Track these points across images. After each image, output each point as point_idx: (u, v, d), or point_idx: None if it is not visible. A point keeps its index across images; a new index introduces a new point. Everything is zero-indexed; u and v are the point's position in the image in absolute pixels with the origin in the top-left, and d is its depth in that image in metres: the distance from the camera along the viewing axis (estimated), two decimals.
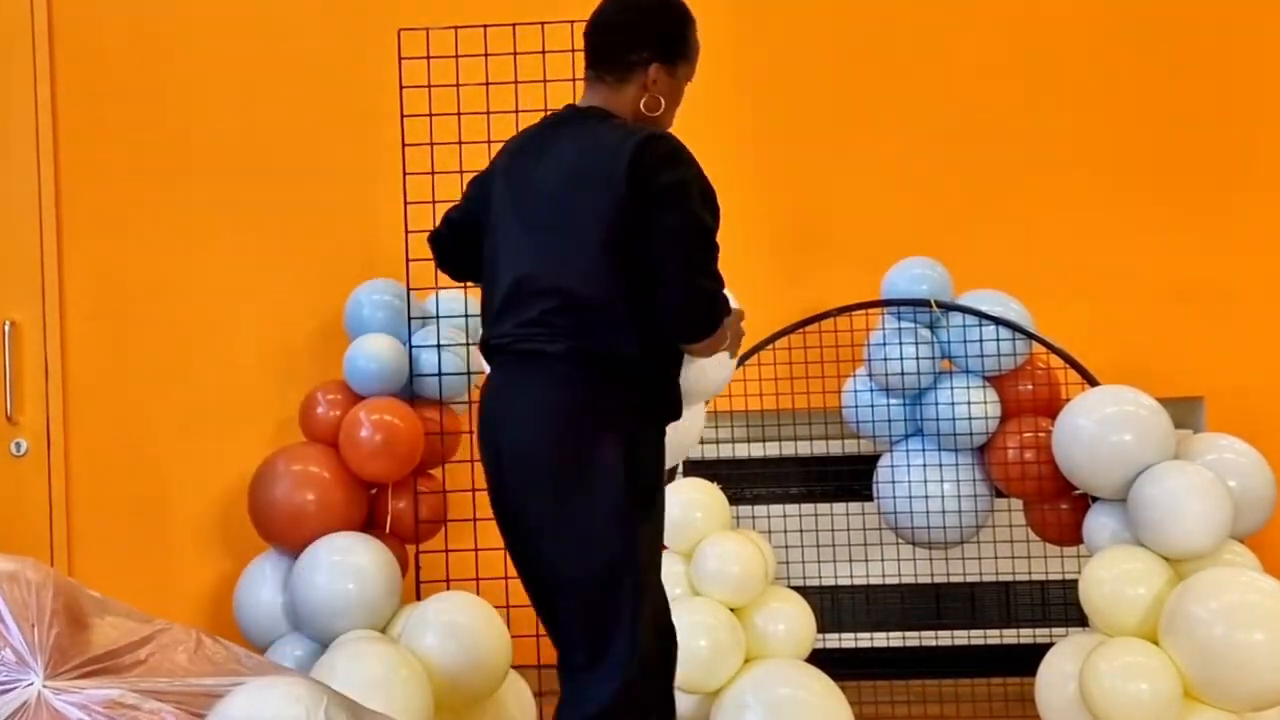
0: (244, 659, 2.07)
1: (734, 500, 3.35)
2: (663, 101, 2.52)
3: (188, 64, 4.23)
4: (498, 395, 2.45)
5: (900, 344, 3.52)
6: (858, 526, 3.82)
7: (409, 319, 3.64)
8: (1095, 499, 3.18)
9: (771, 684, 2.95)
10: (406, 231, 3.55)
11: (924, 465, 3.57)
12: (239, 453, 3.98)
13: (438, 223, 2.75)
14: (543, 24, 3.53)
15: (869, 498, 3.80)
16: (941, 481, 3.57)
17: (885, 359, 3.54)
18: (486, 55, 3.52)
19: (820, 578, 3.89)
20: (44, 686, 1.81)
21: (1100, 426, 3.07)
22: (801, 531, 3.82)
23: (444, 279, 3.57)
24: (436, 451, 3.58)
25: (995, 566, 3.82)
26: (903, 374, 3.52)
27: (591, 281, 2.36)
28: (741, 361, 3.56)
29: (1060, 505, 3.42)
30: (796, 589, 3.25)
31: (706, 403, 3.53)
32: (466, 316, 3.68)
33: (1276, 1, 4.22)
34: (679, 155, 2.40)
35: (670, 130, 2.53)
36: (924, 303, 3.51)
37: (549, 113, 2.63)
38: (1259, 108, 4.21)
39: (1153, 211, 4.15)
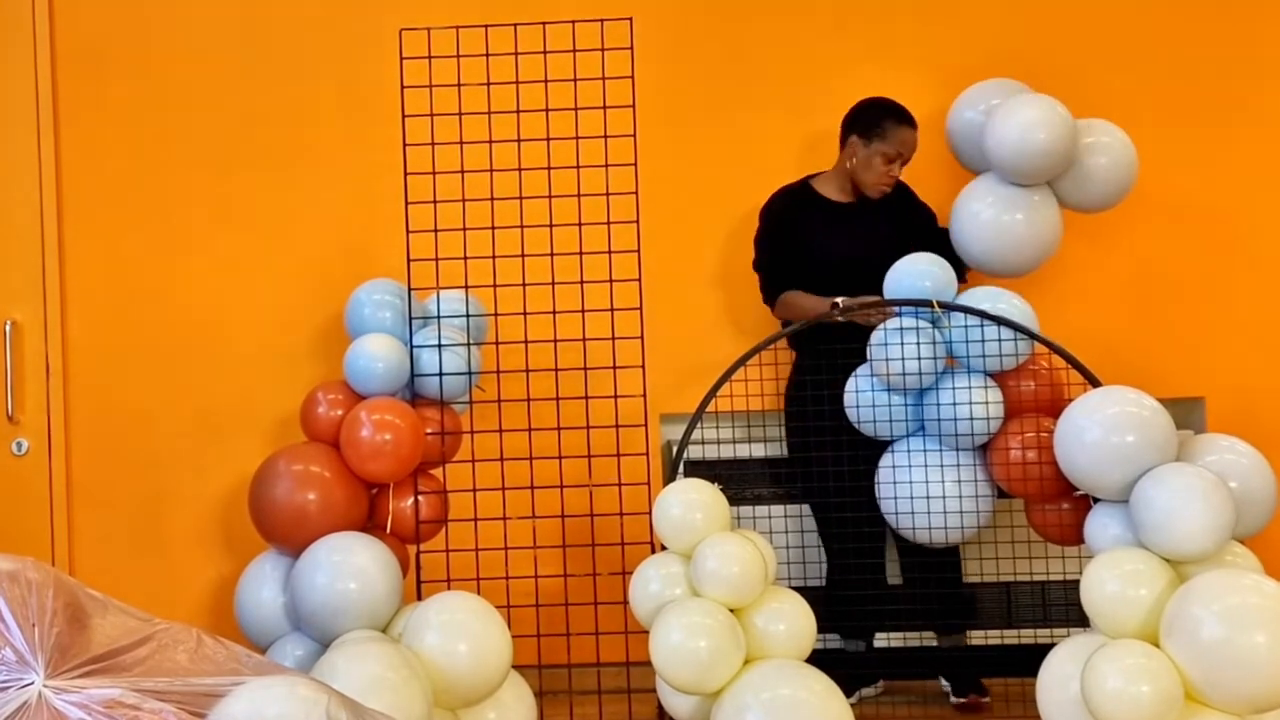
0: (244, 659, 2.06)
1: (734, 500, 3.34)
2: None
3: (188, 64, 4.24)
4: None
5: (902, 344, 3.51)
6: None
7: (410, 319, 3.63)
8: (1097, 500, 3.18)
9: (772, 684, 2.94)
10: (408, 231, 3.55)
11: (925, 465, 3.56)
12: (239, 453, 3.99)
13: None
14: (544, 24, 3.53)
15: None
16: (943, 481, 3.56)
17: (887, 359, 3.53)
18: (488, 55, 3.51)
19: (821, 578, 3.89)
20: (44, 686, 1.80)
21: (1102, 427, 3.06)
22: (802, 532, 3.82)
23: (445, 279, 3.60)
24: (437, 451, 3.58)
25: (996, 567, 3.81)
26: (904, 374, 3.51)
27: None
28: (742, 362, 3.56)
29: (1062, 506, 3.42)
30: (796, 589, 3.24)
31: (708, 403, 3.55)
32: (468, 316, 3.68)
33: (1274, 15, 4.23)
34: None
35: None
36: (926, 302, 3.51)
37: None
38: (1259, 109, 4.22)
39: (1153, 211, 4.15)
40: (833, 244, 3.87)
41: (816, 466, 3.65)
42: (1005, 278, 3.81)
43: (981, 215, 3.78)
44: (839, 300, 3.67)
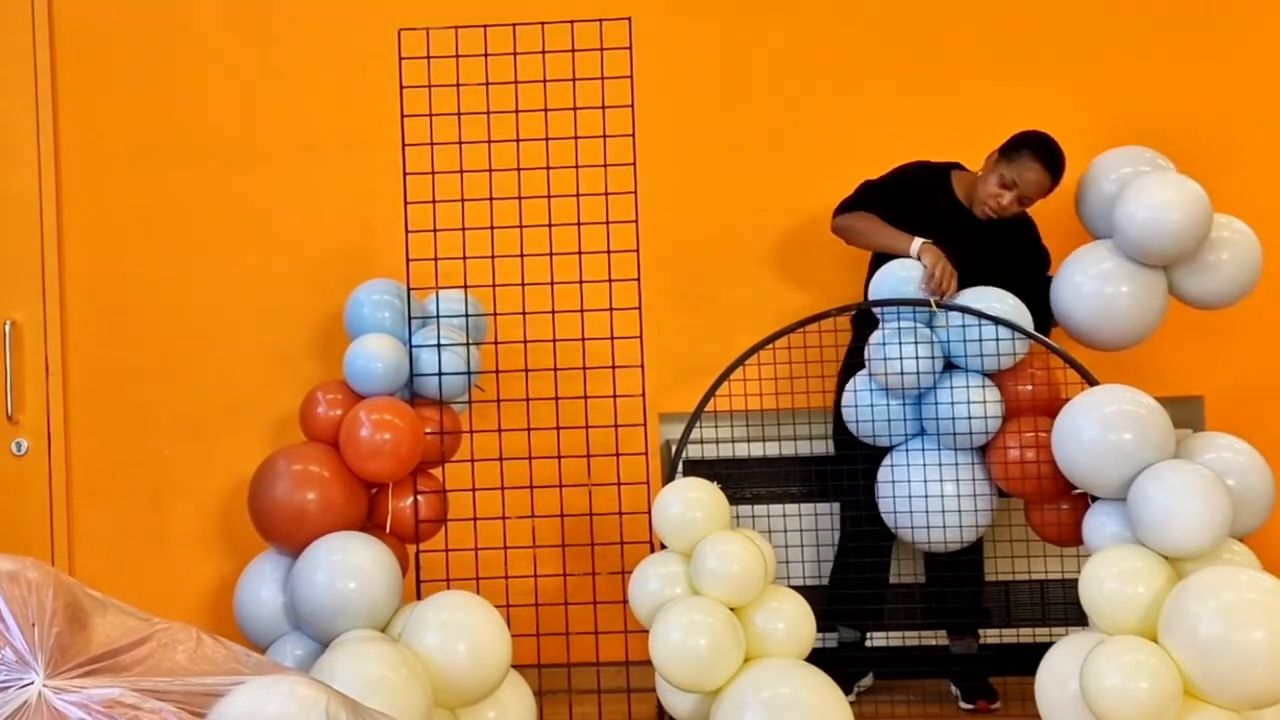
0: (244, 658, 2.06)
1: (734, 500, 3.35)
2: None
3: (188, 64, 4.24)
4: None
5: (900, 344, 3.52)
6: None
7: (409, 319, 3.64)
8: (1095, 498, 3.18)
9: (771, 683, 2.95)
10: (407, 231, 3.55)
11: (924, 465, 3.56)
12: (239, 453, 3.99)
13: None
14: (543, 24, 3.53)
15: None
16: (941, 481, 3.56)
17: (885, 359, 3.53)
18: (486, 55, 3.52)
19: (820, 577, 3.89)
20: (44, 686, 1.80)
21: (1099, 426, 3.06)
22: (801, 531, 3.82)
23: (444, 279, 3.61)
24: (436, 451, 3.58)
25: (995, 566, 3.82)
26: (902, 374, 3.51)
27: None
28: (741, 361, 3.56)
29: (1061, 505, 3.42)
30: (796, 589, 3.24)
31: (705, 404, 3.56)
32: (466, 316, 3.69)
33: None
34: None
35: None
36: (924, 302, 3.51)
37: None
38: (1258, 107, 4.22)
39: None
40: (930, 232, 3.70)
41: (861, 464, 3.66)
42: (1099, 350, 3.68)
43: (1084, 288, 3.60)
44: (921, 242, 3.64)
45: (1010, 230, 3.83)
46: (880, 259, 3.76)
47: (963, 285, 3.58)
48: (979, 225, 3.80)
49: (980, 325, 3.47)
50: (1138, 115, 4.10)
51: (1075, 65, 4.18)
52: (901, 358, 3.50)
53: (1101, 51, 4.19)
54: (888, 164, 3.98)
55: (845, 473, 3.68)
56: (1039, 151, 3.71)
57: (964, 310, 3.48)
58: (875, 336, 3.58)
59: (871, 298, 3.60)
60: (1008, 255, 3.78)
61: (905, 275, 3.56)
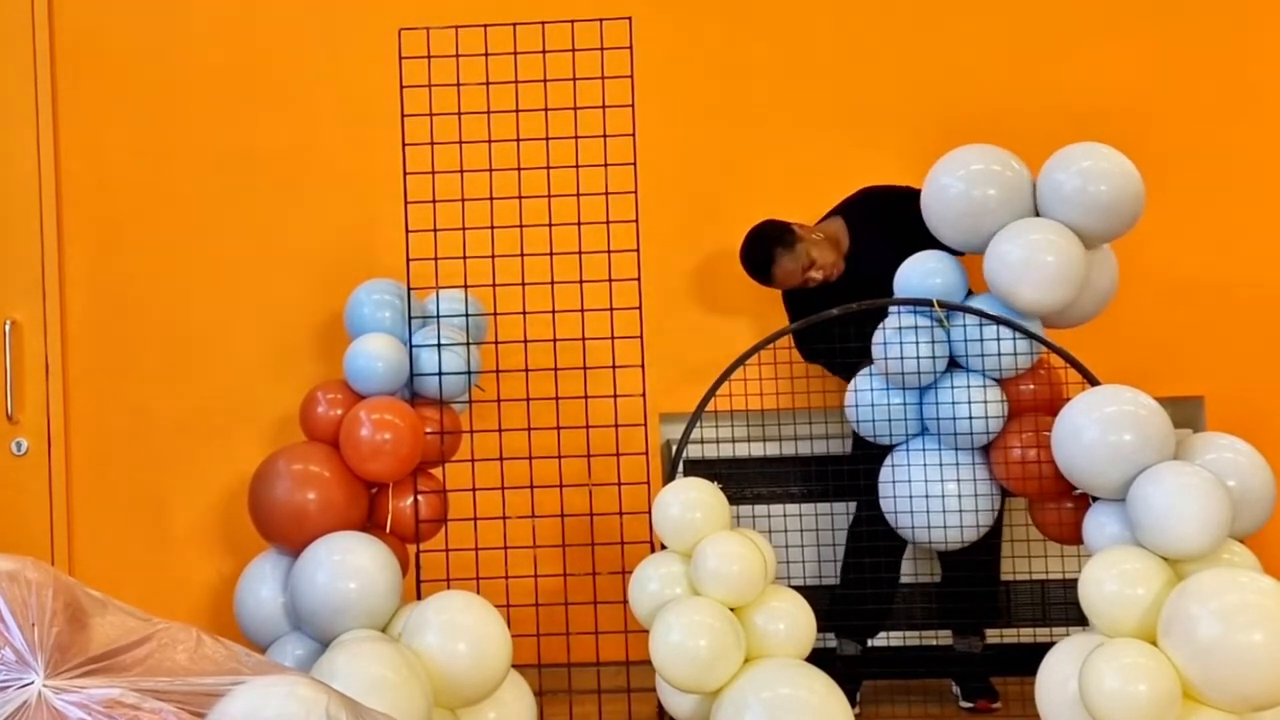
0: (244, 658, 2.06)
1: (734, 500, 3.34)
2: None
3: (188, 63, 4.24)
4: None
5: (900, 343, 3.51)
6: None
7: (409, 318, 3.64)
8: (1095, 499, 3.17)
9: (772, 684, 2.95)
10: (407, 231, 3.55)
11: (924, 465, 3.55)
12: (239, 452, 3.99)
13: None
14: (543, 24, 3.53)
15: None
16: (942, 480, 3.55)
17: (886, 357, 3.53)
18: (487, 55, 3.52)
19: (820, 578, 3.89)
20: (44, 686, 1.80)
21: (1099, 426, 3.06)
22: (802, 531, 3.82)
23: (444, 279, 3.61)
24: (436, 451, 3.58)
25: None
26: (903, 373, 3.51)
27: None
28: (742, 361, 3.56)
29: (1065, 505, 3.41)
30: (796, 589, 3.24)
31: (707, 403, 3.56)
32: (467, 316, 3.69)
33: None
34: None
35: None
36: (926, 302, 3.50)
37: None
38: (1260, 107, 4.21)
39: (1153, 210, 4.15)
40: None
41: (864, 464, 3.66)
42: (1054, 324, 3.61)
43: (1011, 255, 3.45)
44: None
45: (878, 235, 3.83)
46: (896, 261, 3.69)
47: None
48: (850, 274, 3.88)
49: (982, 325, 3.46)
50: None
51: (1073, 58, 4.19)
52: (902, 355, 3.49)
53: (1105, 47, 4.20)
54: (887, 161, 3.99)
55: (847, 473, 3.66)
56: (750, 265, 3.89)
57: (965, 309, 3.48)
58: (879, 335, 3.57)
59: (896, 292, 3.59)
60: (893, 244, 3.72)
61: (929, 269, 3.55)
